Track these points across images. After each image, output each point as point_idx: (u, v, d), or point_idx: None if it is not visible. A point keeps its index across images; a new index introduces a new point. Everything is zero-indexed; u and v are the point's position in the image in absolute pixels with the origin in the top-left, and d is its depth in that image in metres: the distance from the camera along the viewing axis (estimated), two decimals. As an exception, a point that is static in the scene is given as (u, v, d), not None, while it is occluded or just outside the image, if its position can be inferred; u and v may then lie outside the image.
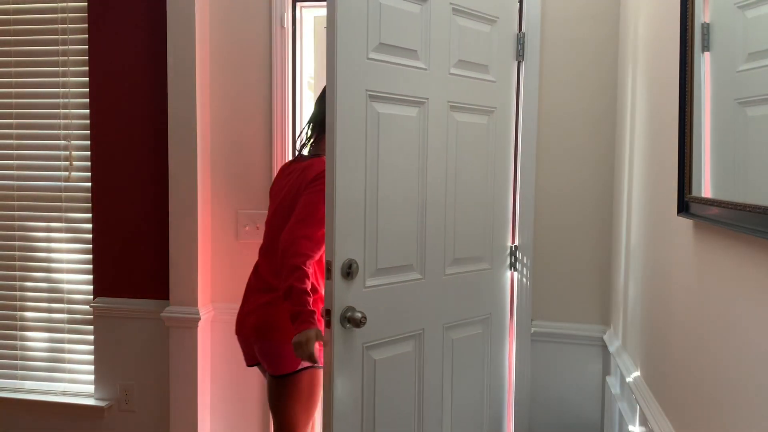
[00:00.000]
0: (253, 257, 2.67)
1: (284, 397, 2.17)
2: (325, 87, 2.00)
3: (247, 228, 2.69)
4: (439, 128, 2.13)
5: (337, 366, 1.83)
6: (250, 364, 2.34)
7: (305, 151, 2.32)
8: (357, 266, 1.86)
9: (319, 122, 2.21)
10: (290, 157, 2.66)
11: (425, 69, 2.06)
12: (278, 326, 2.14)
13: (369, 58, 1.86)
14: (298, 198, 2.12)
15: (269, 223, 2.28)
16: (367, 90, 1.87)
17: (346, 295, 1.85)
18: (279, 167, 2.53)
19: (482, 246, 2.35)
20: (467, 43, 2.21)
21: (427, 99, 2.07)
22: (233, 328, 2.71)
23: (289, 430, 2.18)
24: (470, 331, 2.33)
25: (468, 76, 2.23)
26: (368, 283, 1.92)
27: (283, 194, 2.22)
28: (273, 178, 2.51)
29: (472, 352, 2.34)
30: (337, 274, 1.82)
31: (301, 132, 2.39)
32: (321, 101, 2.26)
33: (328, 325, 1.82)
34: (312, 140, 2.28)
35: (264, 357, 2.20)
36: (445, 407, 2.25)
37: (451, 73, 2.15)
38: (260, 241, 2.68)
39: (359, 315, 1.83)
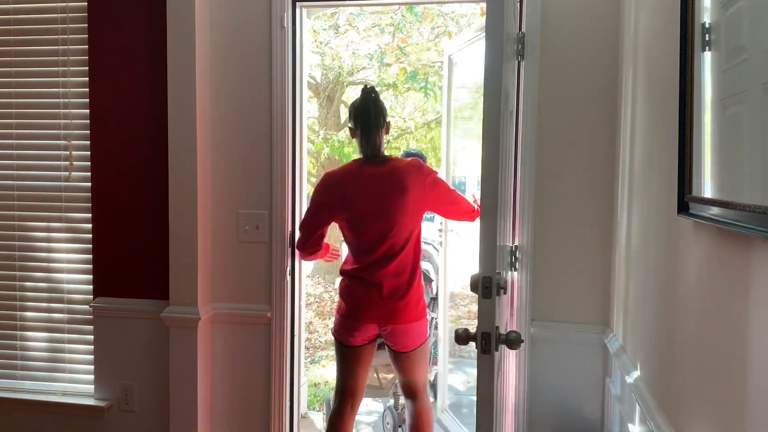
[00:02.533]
0: (254, 257, 2.68)
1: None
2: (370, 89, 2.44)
3: (247, 228, 2.69)
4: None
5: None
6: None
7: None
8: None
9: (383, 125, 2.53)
10: (290, 158, 2.66)
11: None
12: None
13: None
14: (422, 196, 2.48)
15: (375, 221, 2.48)
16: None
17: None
18: (324, 175, 2.67)
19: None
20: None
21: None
22: (233, 328, 2.72)
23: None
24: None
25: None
26: None
27: (389, 197, 2.47)
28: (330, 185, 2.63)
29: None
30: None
31: (374, 137, 2.52)
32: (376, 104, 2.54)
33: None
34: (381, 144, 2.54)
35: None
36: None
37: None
38: (260, 240, 2.68)
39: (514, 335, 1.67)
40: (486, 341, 1.57)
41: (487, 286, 1.57)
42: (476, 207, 2.60)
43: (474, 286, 1.61)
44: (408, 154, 3.72)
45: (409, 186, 2.48)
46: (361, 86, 2.61)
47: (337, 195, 2.54)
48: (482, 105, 1.62)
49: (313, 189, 2.65)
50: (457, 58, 3.49)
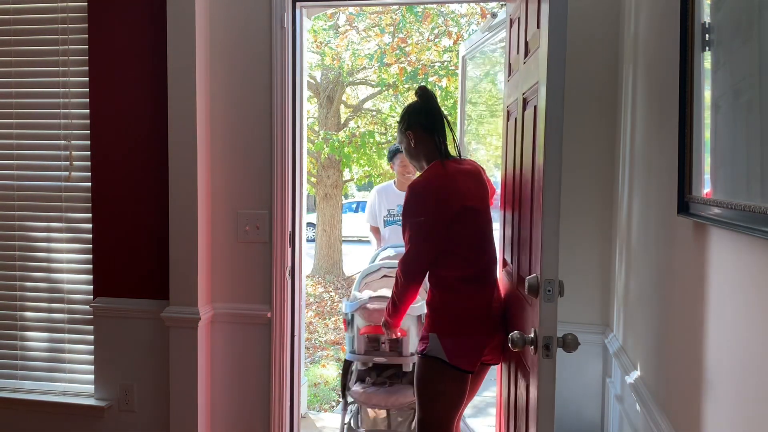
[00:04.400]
0: (254, 257, 2.68)
1: None
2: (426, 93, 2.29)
3: (247, 228, 2.69)
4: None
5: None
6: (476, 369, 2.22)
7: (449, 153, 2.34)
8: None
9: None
10: (290, 158, 2.66)
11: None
12: None
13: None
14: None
15: (486, 223, 2.25)
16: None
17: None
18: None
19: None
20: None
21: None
22: (233, 328, 2.72)
23: None
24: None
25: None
26: None
27: (483, 194, 2.27)
28: (443, 186, 2.22)
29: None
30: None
31: (455, 138, 2.40)
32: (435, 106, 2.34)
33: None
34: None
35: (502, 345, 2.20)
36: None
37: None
38: (260, 240, 2.68)
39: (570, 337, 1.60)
40: (549, 346, 1.54)
41: (549, 290, 1.54)
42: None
43: (533, 289, 1.58)
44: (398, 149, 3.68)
45: (486, 183, 2.36)
46: (416, 89, 2.39)
47: (444, 199, 2.19)
48: (540, 103, 1.59)
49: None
50: (469, 59, 3.51)
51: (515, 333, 1.65)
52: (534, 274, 1.62)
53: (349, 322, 3.11)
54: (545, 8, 1.61)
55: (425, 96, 2.32)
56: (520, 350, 1.70)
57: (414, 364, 2.85)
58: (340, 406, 3.23)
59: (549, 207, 1.55)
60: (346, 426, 3.11)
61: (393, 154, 3.84)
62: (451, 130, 2.34)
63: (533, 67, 1.82)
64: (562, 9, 1.55)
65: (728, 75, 1.18)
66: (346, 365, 3.15)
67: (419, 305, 2.96)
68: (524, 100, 1.99)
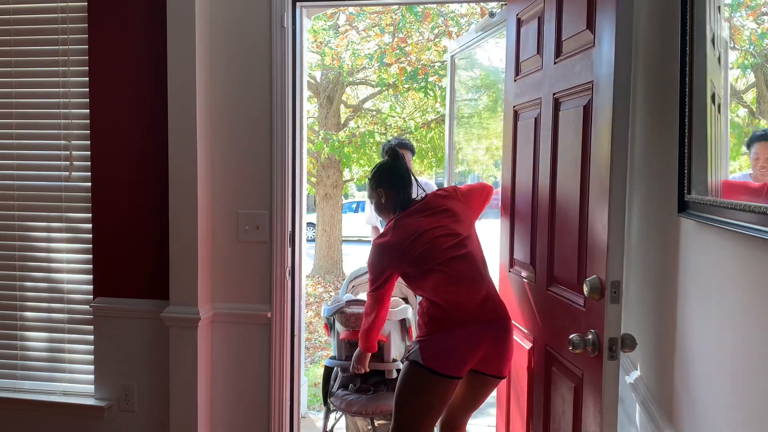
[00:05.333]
0: (254, 257, 2.68)
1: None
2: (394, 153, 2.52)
3: (247, 228, 2.69)
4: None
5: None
6: (461, 375, 2.28)
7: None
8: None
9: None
10: (290, 158, 2.67)
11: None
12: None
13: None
14: (465, 206, 2.47)
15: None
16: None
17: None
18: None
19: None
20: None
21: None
22: (233, 328, 2.72)
23: None
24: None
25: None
26: None
27: (452, 208, 2.43)
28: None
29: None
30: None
31: (407, 192, 2.52)
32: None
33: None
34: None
35: (506, 355, 2.32)
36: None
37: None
38: (260, 240, 2.69)
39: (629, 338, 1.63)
40: (613, 348, 1.56)
41: (615, 291, 1.56)
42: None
43: (595, 291, 1.61)
44: (400, 143, 3.63)
45: (454, 197, 2.52)
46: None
47: (396, 247, 2.41)
48: (600, 102, 1.63)
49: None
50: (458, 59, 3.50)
51: (574, 336, 1.66)
52: (593, 276, 1.64)
53: (330, 326, 3.08)
54: (606, 8, 1.65)
55: (395, 156, 2.53)
56: (581, 352, 1.69)
57: (397, 370, 2.87)
58: (323, 412, 3.20)
59: (615, 209, 1.59)
60: None
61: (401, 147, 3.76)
62: (415, 179, 2.55)
63: (579, 67, 1.84)
64: (629, 9, 1.61)
65: (728, 75, 1.18)
66: (327, 371, 3.11)
67: (400, 309, 2.96)
68: (556, 100, 2.01)
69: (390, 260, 2.38)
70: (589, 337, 1.64)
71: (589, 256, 1.72)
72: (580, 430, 1.77)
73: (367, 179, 2.83)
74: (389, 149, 2.57)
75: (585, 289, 1.64)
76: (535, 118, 2.19)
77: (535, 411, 2.17)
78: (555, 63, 2.03)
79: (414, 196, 2.52)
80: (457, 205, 2.46)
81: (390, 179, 2.50)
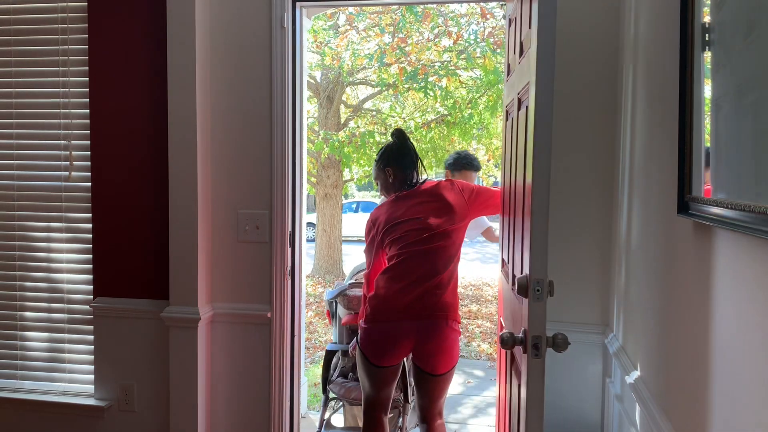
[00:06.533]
0: (254, 257, 2.68)
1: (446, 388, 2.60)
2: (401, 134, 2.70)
3: (247, 228, 2.69)
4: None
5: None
6: (391, 364, 2.53)
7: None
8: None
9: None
10: (290, 158, 2.66)
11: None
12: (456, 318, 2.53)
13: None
14: (466, 204, 2.58)
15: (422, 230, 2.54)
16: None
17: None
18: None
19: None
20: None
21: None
22: (233, 328, 2.72)
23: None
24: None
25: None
26: None
27: (432, 210, 2.57)
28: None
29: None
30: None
31: (413, 173, 2.68)
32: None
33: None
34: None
35: (436, 354, 2.49)
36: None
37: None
38: (260, 240, 2.69)
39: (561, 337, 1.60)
40: (537, 346, 1.54)
41: (538, 289, 1.54)
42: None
43: (522, 289, 1.58)
44: (463, 159, 3.35)
45: (451, 195, 2.67)
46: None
47: (380, 221, 2.66)
48: (530, 103, 1.61)
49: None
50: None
51: (505, 332, 1.66)
52: (524, 274, 1.62)
53: (332, 314, 3.10)
54: (535, 7, 1.62)
55: (402, 136, 2.70)
56: (511, 350, 1.69)
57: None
58: (321, 401, 3.20)
59: (538, 206, 1.55)
60: (324, 422, 3.07)
61: (461, 166, 3.31)
62: (420, 162, 2.70)
63: (526, 67, 1.83)
64: (551, 7, 1.56)
65: (729, 74, 1.18)
66: (328, 357, 3.11)
67: None
68: (519, 100, 2.01)
69: (373, 227, 2.65)
70: (519, 335, 1.63)
71: (524, 255, 1.72)
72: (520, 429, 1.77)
73: (370, 174, 2.94)
74: (396, 131, 2.73)
75: (515, 287, 1.63)
76: (512, 119, 2.20)
77: (507, 411, 2.19)
78: (519, 63, 2.04)
79: (416, 180, 2.67)
80: (456, 198, 2.58)
81: (398, 158, 2.66)
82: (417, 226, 2.53)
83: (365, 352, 2.53)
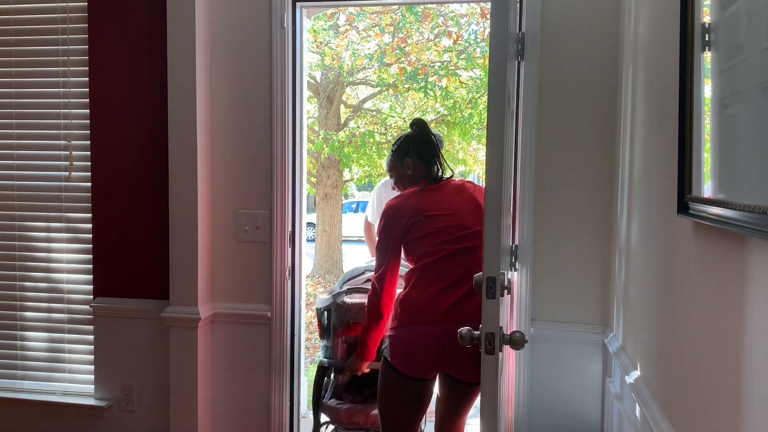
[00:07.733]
0: (254, 257, 2.68)
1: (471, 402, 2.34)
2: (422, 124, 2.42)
3: (247, 228, 2.69)
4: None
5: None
6: (430, 376, 2.26)
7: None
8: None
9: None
10: (290, 158, 2.66)
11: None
12: None
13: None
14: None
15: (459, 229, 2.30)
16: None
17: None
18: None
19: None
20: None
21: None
22: (233, 328, 2.72)
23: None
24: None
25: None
26: None
27: (469, 207, 2.34)
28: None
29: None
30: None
31: (438, 161, 2.45)
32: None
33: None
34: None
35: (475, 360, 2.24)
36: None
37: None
38: (260, 240, 2.68)
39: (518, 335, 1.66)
40: (490, 342, 1.57)
41: (491, 287, 1.57)
42: None
43: (478, 287, 1.61)
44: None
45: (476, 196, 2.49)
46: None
47: (402, 214, 2.38)
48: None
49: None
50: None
51: (463, 329, 1.69)
52: (479, 273, 1.66)
53: (323, 326, 2.74)
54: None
55: (423, 125, 2.47)
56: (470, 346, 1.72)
57: None
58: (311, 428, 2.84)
59: (490, 206, 1.58)
60: None
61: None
62: (442, 157, 2.47)
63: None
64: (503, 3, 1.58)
65: (729, 74, 1.18)
66: (320, 374, 2.77)
67: None
68: None
69: (395, 217, 2.32)
70: (477, 332, 1.66)
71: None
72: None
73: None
74: (416, 120, 2.50)
75: (474, 284, 1.67)
76: None
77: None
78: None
79: (441, 173, 2.45)
80: (482, 201, 2.37)
81: (420, 149, 2.43)
82: (454, 222, 2.29)
83: (398, 366, 2.20)
